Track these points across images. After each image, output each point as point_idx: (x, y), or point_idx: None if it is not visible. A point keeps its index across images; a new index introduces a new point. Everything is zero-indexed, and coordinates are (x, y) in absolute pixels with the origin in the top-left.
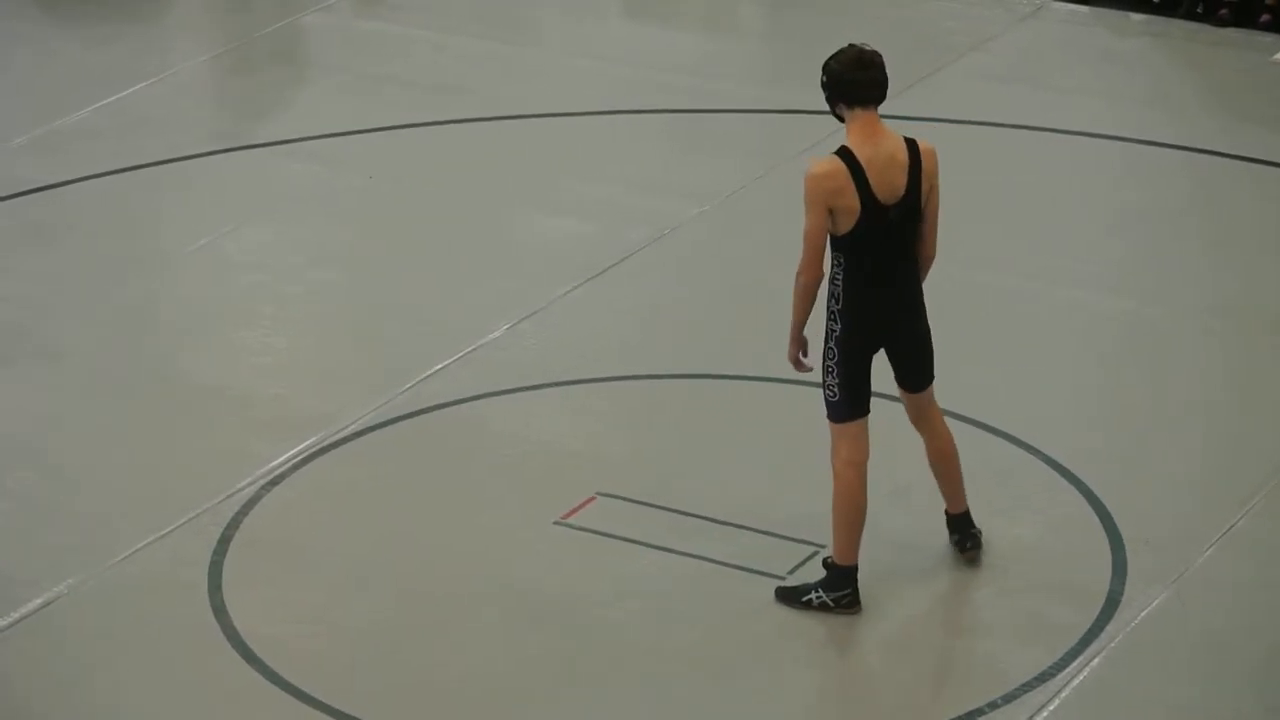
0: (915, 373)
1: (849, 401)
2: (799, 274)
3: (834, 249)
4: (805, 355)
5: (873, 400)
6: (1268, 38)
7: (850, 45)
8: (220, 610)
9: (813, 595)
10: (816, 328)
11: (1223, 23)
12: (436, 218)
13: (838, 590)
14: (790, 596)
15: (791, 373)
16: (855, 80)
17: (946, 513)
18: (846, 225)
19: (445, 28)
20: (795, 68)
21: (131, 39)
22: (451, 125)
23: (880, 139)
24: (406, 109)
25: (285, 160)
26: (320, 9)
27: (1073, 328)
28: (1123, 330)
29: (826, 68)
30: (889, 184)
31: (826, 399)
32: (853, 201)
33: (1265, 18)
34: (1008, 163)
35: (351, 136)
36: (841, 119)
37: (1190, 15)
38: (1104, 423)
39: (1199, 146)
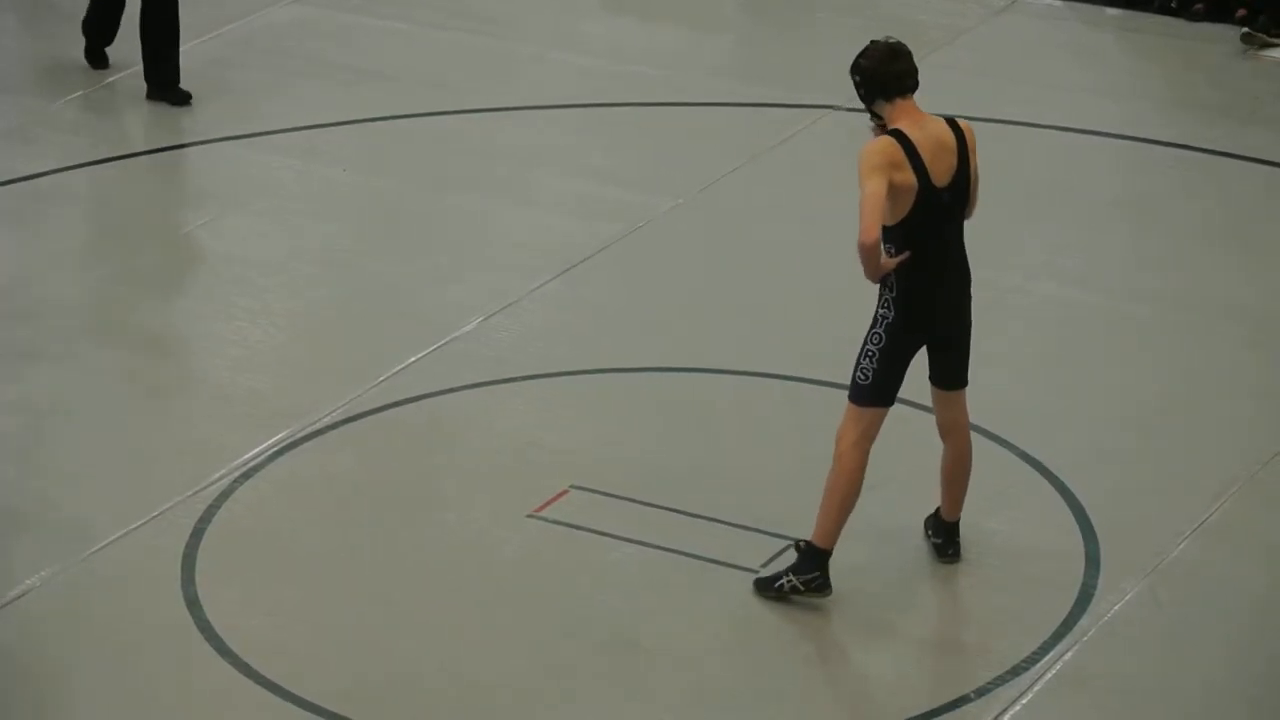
0: (955, 367)
1: (878, 388)
2: (860, 239)
3: (888, 239)
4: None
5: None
6: (1244, 29)
7: (873, 41)
8: (193, 603)
9: (784, 580)
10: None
11: (1197, 17)
12: (411, 211)
13: (807, 573)
14: (765, 586)
15: (766, 366)
16: (891, 72)
17: (940, 516)
18: (903, 210)
19: (422, 20)
20: (771, 61)
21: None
22: (427, 118)
23: (926, 123)
24: (382, 102)
25: (260, 153)
26: (297, 1)
27: (1047, 322)
28: (1097, 324)
29: (858, 67)
30: (942, 166)
31: (856, 380)
32: (910, 178)
33: (1240, 12)
34: (982, 157)
35: (327, 129)
36: (878, 115)
37: (1164, 9)
38: (1079, 416)
39: (1174, 141)
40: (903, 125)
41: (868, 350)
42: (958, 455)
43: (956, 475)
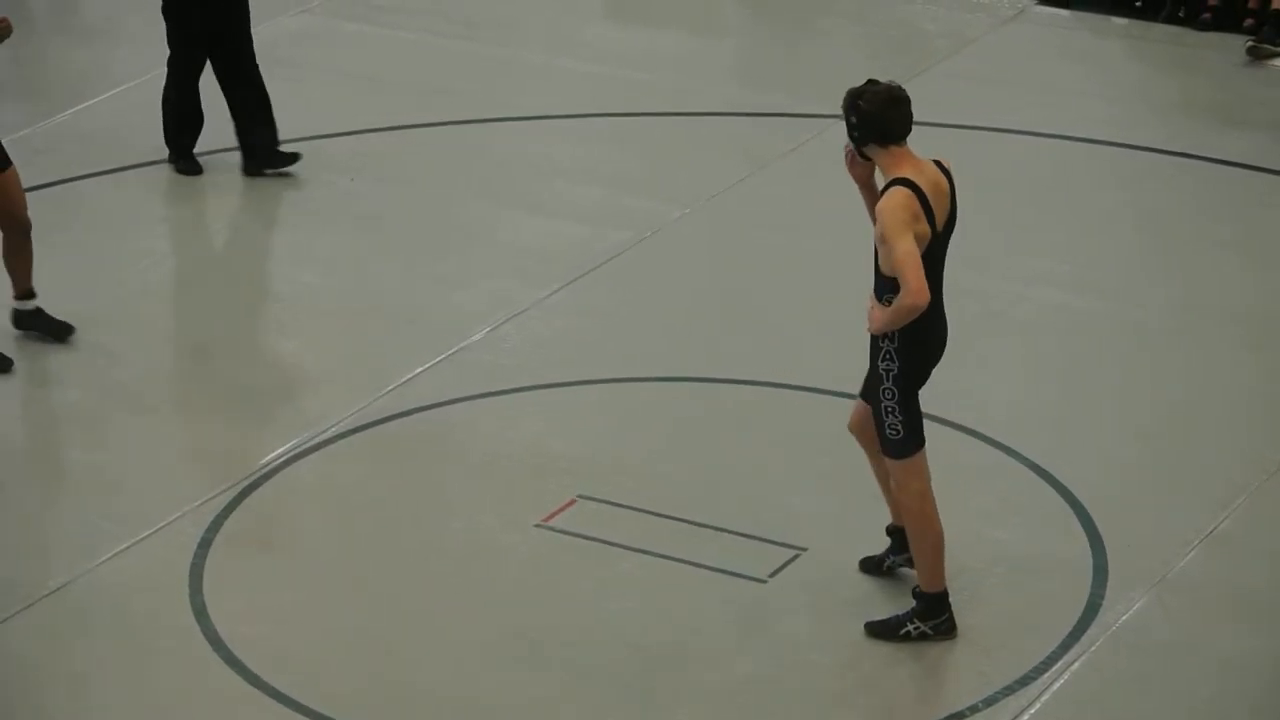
0: None
1: (913, 435)
2: (911, 300)
3: (890, 290)
4: None
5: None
6: (1250, 41)
7: (873, 82)
8: (201, 612)
9: (910, 627)
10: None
11: (1205, 26)
12: (418, 220)
13: (935, 618)
14: (886, 631)
15: (773, 376)
16: (890, 118)
17: (898, 527)
18: None
19: (427, 29)
20: (778, 70)
21: (115, 40)
22: (433, 128)
23: (924, 168)
24: (388, 111)
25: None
26: (303, 10)
27: (1053, 329)
28: (1103, 332)
29: (856, 109)
30: (941, 211)
31: (889, 438)
32: (926, 229)
33: (1248, 21)
34: (989, 165)
35: (333, 138)
36: (866, 157)
37: (1172, 19)
38: (1085, 425)
39: (1180, 150)
40: (907, 173)
41: (887, 407)
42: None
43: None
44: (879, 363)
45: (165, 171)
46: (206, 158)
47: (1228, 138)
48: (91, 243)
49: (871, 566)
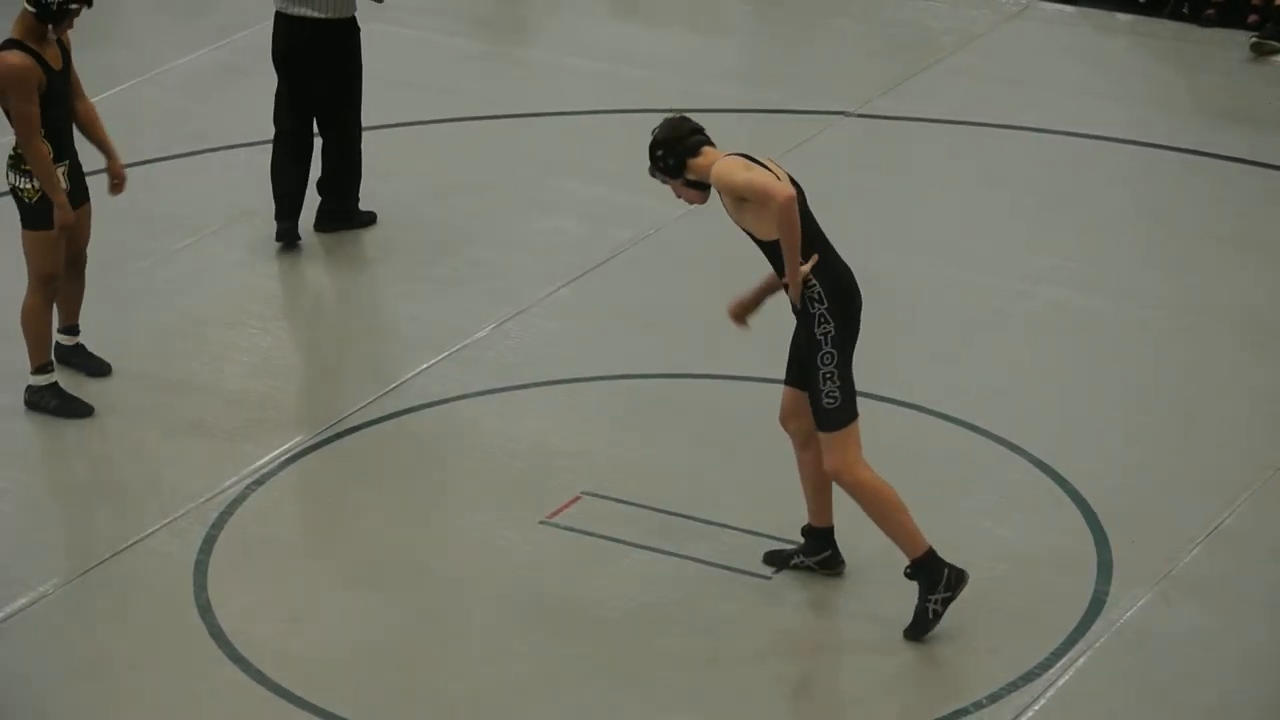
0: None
1: (848, 401)
2: (779, 202)
3: (780, 253)
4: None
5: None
6: (1253, 37)
7: (655, 129)
8: (206, 610)
9: (931, 605)
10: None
11: (1209, 22)
12: (423, 216)
13: (936, 579)
14: (920, 626)
15: (777, 373)
16: (686, 130)
17: (815, 528)
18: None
19: (433, 26)
20: (781, 68)
21: (118, 36)
22: (437, 124)
23: (741, 153)
24: (394, 108)
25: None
26: None
27: (1058, 327)
28: (1108, 329)
29: (659, 146)
30: (780, 171)
31: (826, 408)
32: (780, 176)
33: (1253, 18)
34: (993, 162)
35: None
36: (694, 183)
37: (1176, 15)
38: (1090, 422)
39: (1184, 146)
40: (728, 154)
41: (825, 374)
42: (820, 455)
43: (825, 478)
44: (815, 330)
45: (164, 168)
46: (212, 154)
47: (1232, 134)
48: (90, 241)
49: (777, 560)
